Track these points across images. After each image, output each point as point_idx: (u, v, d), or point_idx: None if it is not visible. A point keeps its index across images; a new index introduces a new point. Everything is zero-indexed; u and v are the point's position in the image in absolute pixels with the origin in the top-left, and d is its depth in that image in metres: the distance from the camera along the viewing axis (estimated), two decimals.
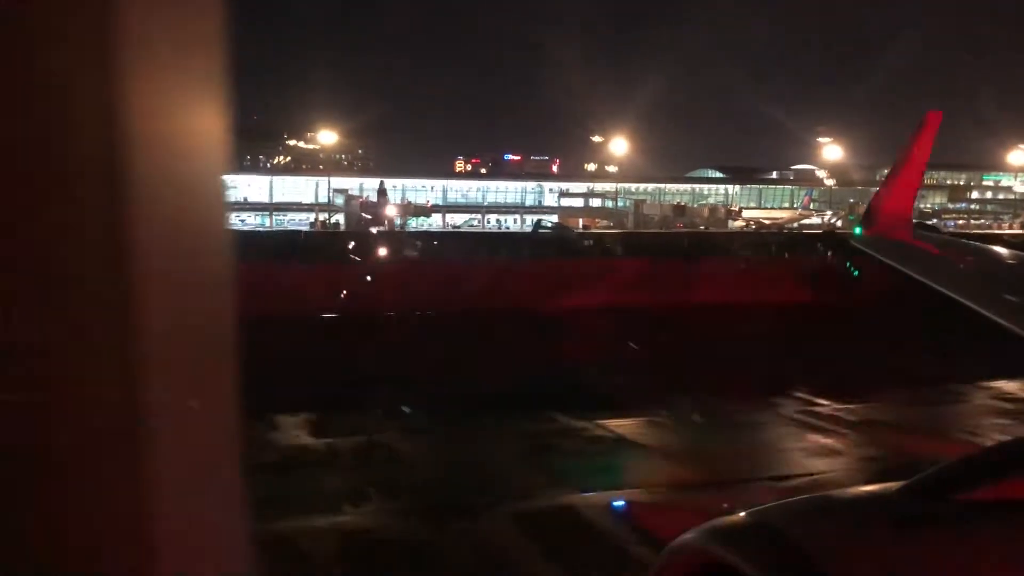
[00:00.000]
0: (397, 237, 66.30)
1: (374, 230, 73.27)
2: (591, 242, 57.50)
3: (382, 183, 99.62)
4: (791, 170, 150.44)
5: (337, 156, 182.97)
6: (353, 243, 51.82)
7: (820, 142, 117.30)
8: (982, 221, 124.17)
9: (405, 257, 47.95)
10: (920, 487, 1.99)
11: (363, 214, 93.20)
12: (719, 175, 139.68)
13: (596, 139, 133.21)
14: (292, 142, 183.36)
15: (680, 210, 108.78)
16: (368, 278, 37.78)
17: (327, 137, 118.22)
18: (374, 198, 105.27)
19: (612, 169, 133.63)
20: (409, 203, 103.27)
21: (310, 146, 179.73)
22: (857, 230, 10.94)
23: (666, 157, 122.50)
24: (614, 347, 24.19)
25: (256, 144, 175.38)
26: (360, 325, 27.68)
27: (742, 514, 1.97)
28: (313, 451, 15.84)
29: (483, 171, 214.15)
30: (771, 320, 26.51)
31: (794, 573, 1.68)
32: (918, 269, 7.68)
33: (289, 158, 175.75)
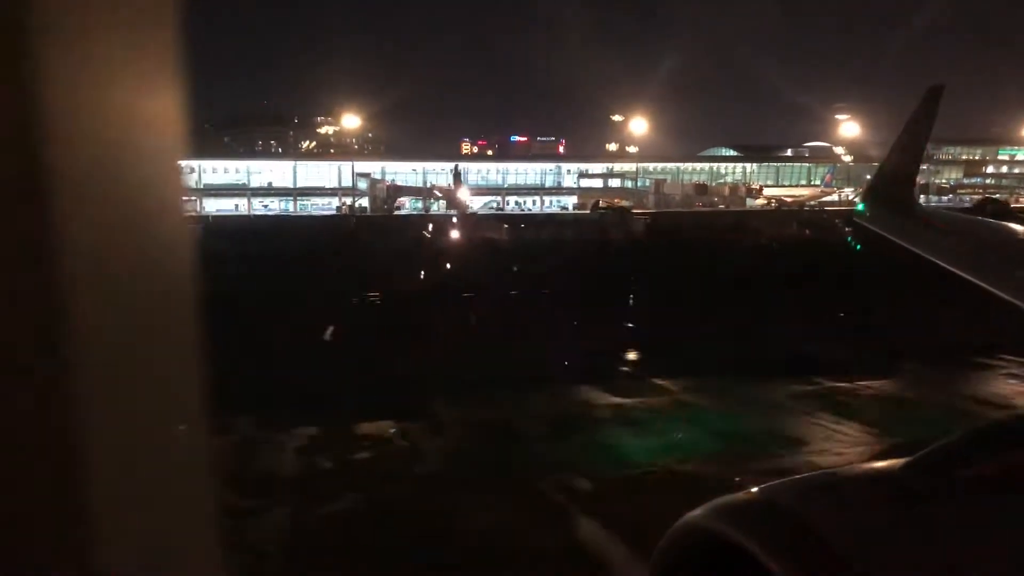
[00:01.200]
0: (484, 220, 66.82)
1: (453, 213, 73.52)
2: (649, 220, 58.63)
3: (456, 167, 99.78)
4: (805, 147, 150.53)
5: (347, 140, 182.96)
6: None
7: (838, 119, 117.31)
8: (997, 196, 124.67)
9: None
10: (925, 463, 2.00)
11: (439, 198, 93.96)
12: (734, 153, 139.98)
13: (616, 118, 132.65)
14: (304, 127, 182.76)
15: (702, 189, 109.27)
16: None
17: (349, 121, 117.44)
18: (401, 181, 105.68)
19: (632, 149, 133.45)
20: (433, 186, 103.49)
21: (322, 130, 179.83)
22: (860, 206, 10.97)
23: (680, 136, 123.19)
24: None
25: (266, 129, 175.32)
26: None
27: (747, 492, 1.98)
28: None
29: (490, 152, 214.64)
30: None
31: (802, 552, 1.69)
32: (921, 245, 7.67)
33: (313, 143, 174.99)
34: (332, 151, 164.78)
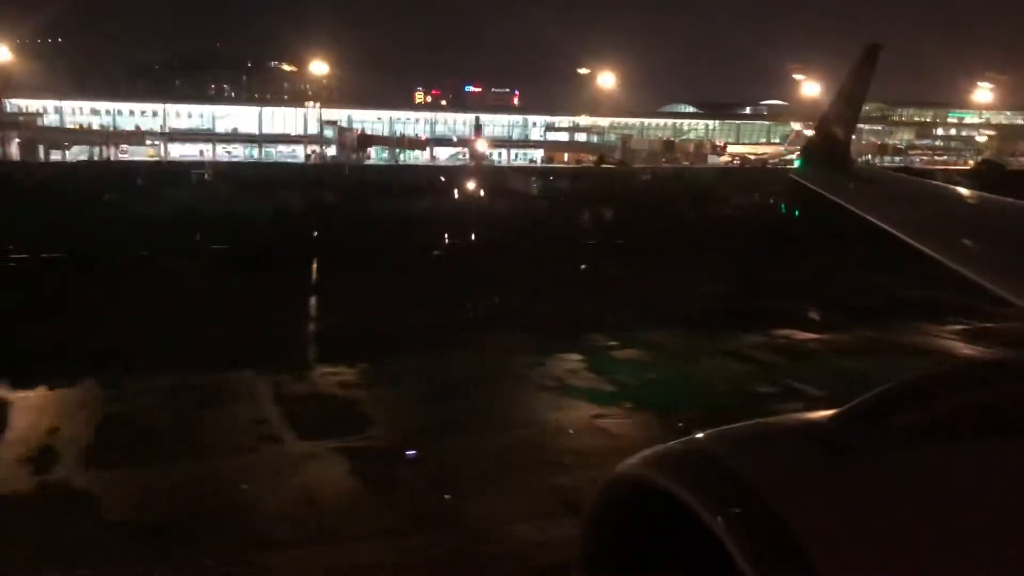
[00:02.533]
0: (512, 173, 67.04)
1: (472, 164, 73.37)
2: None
3: (478, 118, 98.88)
4: (762, 105, 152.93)
5: (301, 87, 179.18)
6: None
7: (796, 79, 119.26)
8: (945, 157, 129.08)
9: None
10: (855, 414, 2.03)
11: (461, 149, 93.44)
12: (693, 110, 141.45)
13: (582, 71, 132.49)
14: (257, 72, 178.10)
15: (669, 145, 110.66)
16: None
17: (317, 67, 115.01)
18: (369, 130, 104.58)
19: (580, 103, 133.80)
20: (403, 136, 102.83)
21: (276, 76, 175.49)
22: (798, 163, 11.19)
23: (637, 91, 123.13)
24: None
25: (219, 72, 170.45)
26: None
27: (680, 441, 2.01)
28: None
29: (443, 103, 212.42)
30: None
31: (733, 501, 1.71)
32: (856, 202, 7.69)
33: (268, 95, 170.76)
34: (286, 97, 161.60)
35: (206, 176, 58.12)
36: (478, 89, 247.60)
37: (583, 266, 28.45)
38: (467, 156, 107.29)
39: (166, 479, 10.93)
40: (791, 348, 18.14)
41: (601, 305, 21.94)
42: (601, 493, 1.99)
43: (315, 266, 27.93)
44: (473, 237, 34.30)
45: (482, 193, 49.19)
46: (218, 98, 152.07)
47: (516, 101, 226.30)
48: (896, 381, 2.15)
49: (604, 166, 72.37)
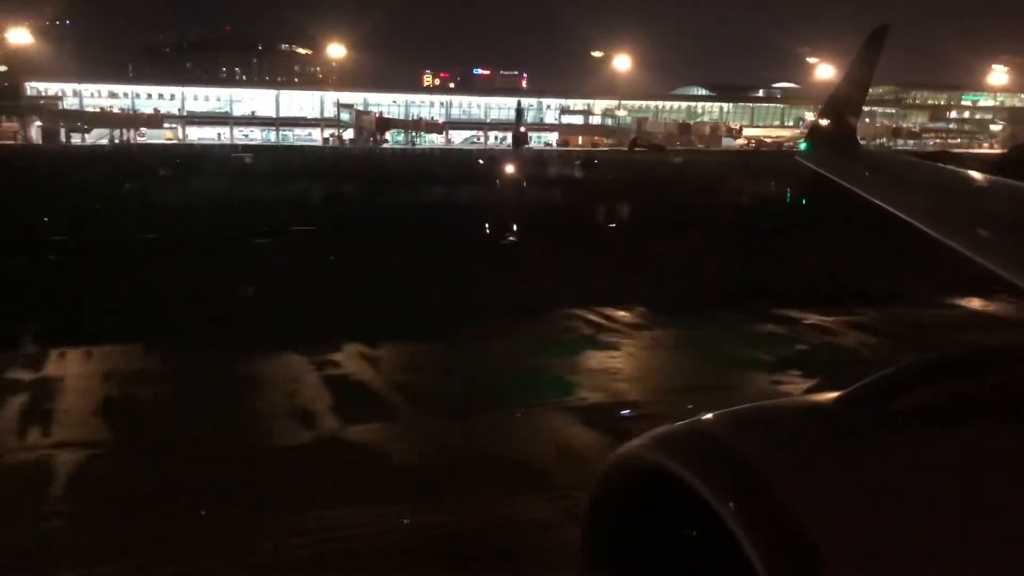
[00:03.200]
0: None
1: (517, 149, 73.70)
2: None
3: (519, 103, 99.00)
4: (775, 88, 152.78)
5: (311, 68, 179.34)
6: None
7: (809, 62, 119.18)
8: (959, 140, 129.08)
9: None
10: (860, 396, 2.03)
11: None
12: (705, 92, 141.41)
13: (596, 54, 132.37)
14: (268, 54, 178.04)
15: (685, 128, 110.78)
16: None
17: (334, 51, 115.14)
18: (388, 114, 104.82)
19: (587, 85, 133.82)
20: (421, 120, 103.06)
21: (288, 58, 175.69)
22: (803, 145, 10.97)
23: (649, 74, 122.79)
24: None
25: (230, 55, 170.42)
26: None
27: (685, 423, 1.99)
28: None
29: (451, 85, 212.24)
30: None
31: (736, 483, 1.72)
32: (861, 184, 7.58)
33: (281, 78, 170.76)
34: (296, 80, 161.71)
35: (247, 160, 58.57)
36: (487, 72, 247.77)
37: (677, 244, 28.74)
38: (485, 139, 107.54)
39: None
40: None
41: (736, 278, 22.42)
42: (602, 475, 1.98)
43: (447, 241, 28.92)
44: (565, 218, 35.00)
45: (532, 176, 49.52)
46: (229, 81, 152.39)
47: (524, 84, 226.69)
48: (901, 363, 2.16)
49: (637, 149, 72.65)
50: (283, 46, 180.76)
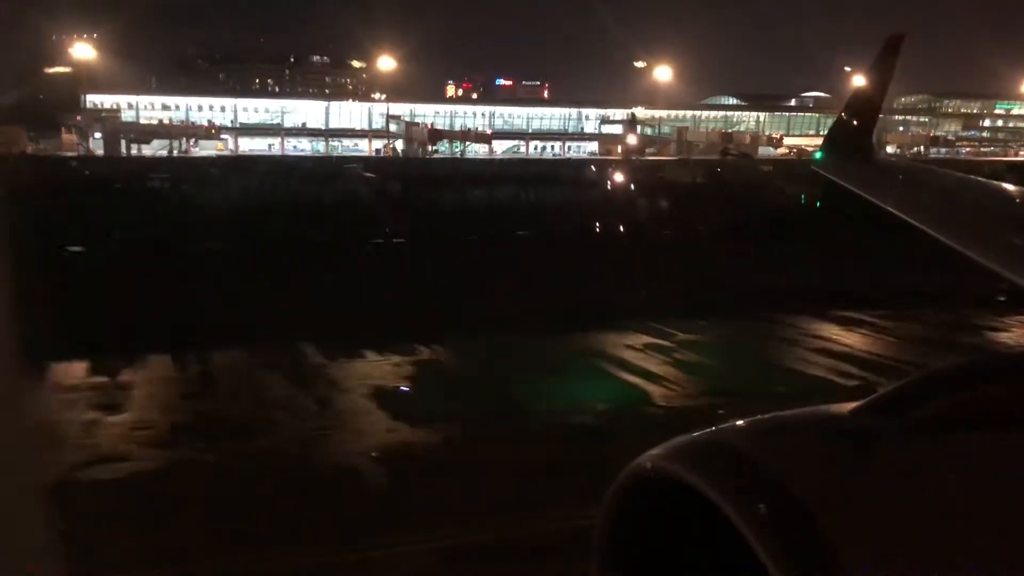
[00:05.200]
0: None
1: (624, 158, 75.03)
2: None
3: (632, 113, 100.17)
4: (806, 97, 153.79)
5: (341, 80, 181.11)
6: None
7: (845, 70, 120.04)
8: (992, 148, 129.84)
9: None
10: (878, 406, 2.03)
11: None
12: (736, 102, 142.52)
13: (639, 64, 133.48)
14: (300, 66, 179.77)
15: (728, 137, 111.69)
16: None
17: (384, 63, 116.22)
18: (440, 124, 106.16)
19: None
20: (470, 130, 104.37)
21: (318, 70, 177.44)
22: (818, 154, 10.99)
23: (677, 84, 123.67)
24: None
25: (263, 67, 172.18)
26: None
27: (702, 433, 1.99)
28: None
29: (474, 96, 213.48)
30: None
31: (756, 495, 1.70)
32: (876, 193, 7.55)
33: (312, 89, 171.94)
34: (328, 92, 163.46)
35: (358, 170, 59.87)
36: (509, 82, 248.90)
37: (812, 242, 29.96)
38: (527, 149, 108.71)
39: None
40: None
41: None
42: (619, 486, 1.97)
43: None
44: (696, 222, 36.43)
45: (639, 185, 50.79)
46: (262, 92, 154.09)
47: (546, 94, 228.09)
48: (919, 372, 2.16)
49: (728, 157, 73.77)
50: (315, 58, 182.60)
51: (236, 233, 31.80)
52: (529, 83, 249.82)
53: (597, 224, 34.84)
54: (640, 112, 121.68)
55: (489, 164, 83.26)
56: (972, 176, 8.62)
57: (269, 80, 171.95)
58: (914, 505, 1.71)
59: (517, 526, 10.59)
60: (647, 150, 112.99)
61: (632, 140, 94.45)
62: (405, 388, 16.85)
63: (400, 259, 28.97)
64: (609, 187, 51.09)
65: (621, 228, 33.60)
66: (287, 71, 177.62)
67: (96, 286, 22.92)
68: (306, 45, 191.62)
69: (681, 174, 60.55)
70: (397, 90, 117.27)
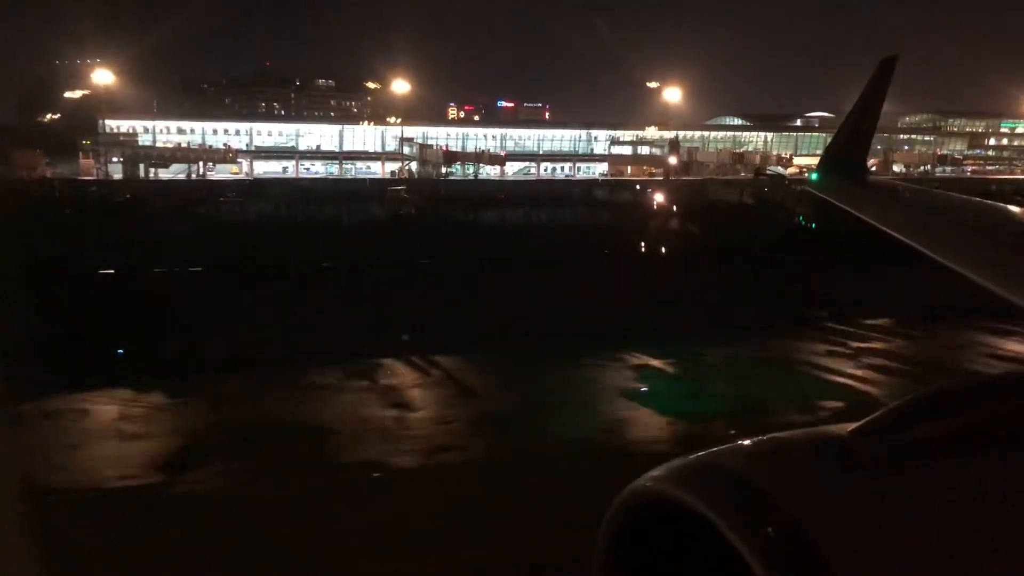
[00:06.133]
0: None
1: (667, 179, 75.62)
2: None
3: (676, 136, 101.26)
4: (810, 117, 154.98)
5: (346, 103, 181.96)
6: None
7: (849, 91, 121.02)
8: (997, 167, 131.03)
9: None
10: (876, 426, 2.03)
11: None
12: (740, 122, 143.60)
13: (652, 85, 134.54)
14: (304, 90, 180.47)
15: (739, 158, 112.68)
16: None
17: (399, 86, 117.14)
18: (455, 147, 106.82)
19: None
20: (484, 152, 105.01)
21: (322, 93, 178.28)
22: (813, 176, 11.01)
23: (683, 104, 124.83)
24: None
25: (268, 91, 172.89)
26: None
27: (699, 455, 1.98)
28: None
29: (476, 118, 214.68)
30: None
31: (755, 516, 1.70)
32: (870, 213, 7.60)
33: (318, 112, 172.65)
34: (333, 115, 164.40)
35: (404, 194, 60.25)
36: (510, 104, 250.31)
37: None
38: (538, 170, 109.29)
39: None
40: None
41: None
42: (617, 508, 1.98)
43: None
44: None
45: (696, 205, 51.45)
46: (268, 116, 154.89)
47: (548, 115, 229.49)
48: (914, 394, 2.17)
49: (761, 177, 74.50)
50: (320, 81, 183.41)
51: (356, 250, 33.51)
52: (531, 105, 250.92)
53: (699, 238, 36.12)
54: (649, 133, 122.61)
55: (535, 184, 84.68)
56: (964, 196, 8.66)
57: (275, 103, 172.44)
58: (911, 528, 1.71)
59: None
60: (654, 170, 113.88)
61: (673, 161, 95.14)
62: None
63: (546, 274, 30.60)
64: (670, 207, 51.69)
65: (735, 243, 34.58)
66: (292, 95, 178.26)
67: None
68: (311, 69, 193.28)
69: (726, 193, 61.28)
70: (400, 113, 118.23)
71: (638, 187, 61.13)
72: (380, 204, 50.22)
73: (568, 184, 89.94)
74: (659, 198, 55.26)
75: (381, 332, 22.77)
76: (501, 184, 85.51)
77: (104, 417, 16.97)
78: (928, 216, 7.77)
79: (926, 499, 1.80)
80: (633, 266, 33.13)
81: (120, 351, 21.15)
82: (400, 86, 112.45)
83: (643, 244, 37.34)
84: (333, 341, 22.05)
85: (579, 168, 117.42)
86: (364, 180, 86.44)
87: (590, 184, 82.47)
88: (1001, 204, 7.51)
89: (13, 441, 13.27)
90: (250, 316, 24.38)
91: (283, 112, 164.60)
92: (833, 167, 10.14)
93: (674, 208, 50.22)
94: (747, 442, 2.07)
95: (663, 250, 36.63)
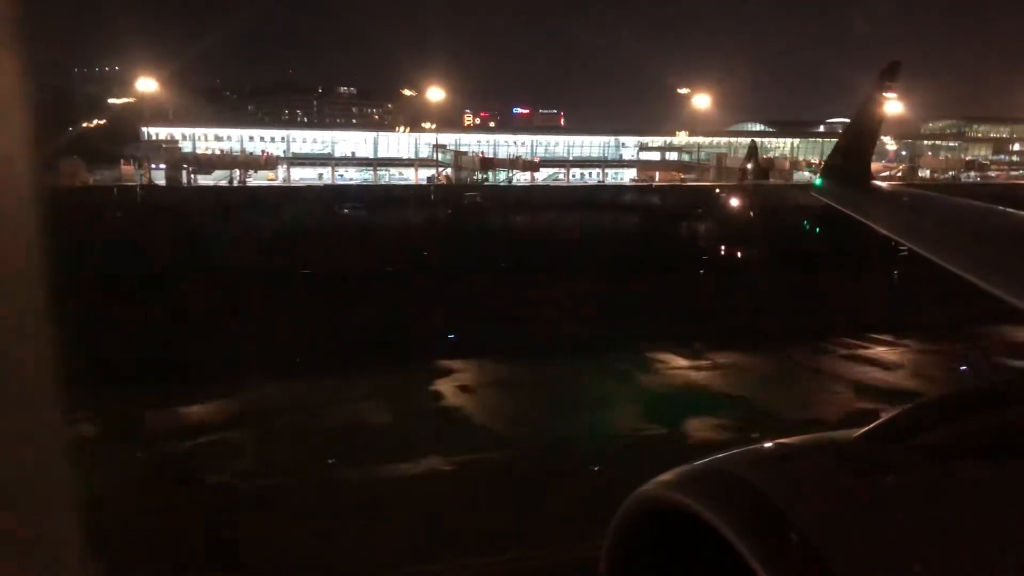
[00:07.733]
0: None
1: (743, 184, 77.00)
2: None
3: (753, 142, 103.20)
4: (832, 123, 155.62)
5: (367, 110, 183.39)
6: None
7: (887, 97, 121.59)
8: (1021, 172, 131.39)
9: None
10: (879, 433, 2.03)
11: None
12: (762, 128, 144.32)
13: (682, 91, 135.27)
14: (327, 96, 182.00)
15: (768, 163, 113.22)
16: None
17: (434, 94, 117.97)
18: (488, 153, 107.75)
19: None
20: (519, 158, 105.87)
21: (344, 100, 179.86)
22: (818, 181, 10.97)
23: (706, 110, 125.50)
24: None
25: (291, 98, 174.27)
26: None
27: (704, 462, 1.99)
28: None
29: (492, 124, 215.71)
30: None
31: (760, 522, 1.70)
32: (873, 217, 7.65)
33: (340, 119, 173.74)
34: (354, 121, 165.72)
35: (478, 199, 61.02)
36: (526, 111, 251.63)
37: None
38: (559, 177, 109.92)
39: None
40: None
41: None
42: (623, 514, 1.98)
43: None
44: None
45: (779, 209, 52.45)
46: (292, 123, 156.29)
47: (562, 122, 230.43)
48: (918, 401, 2.19)
49: None
50: (342, 89, 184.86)
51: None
52: (546, 111, 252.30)
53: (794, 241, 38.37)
54: (678, 139, 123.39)
55: (604, 190, 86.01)
56: (967, 200, 8.82)
57: (298, 111, 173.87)
58: (916, 534, 1.72)
59: None
60: (681, 176, 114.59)
61: (749, 167, 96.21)
62: None
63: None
64: (760, 212, 52.82)
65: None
66: (315, 102, 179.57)
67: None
68: (333, 76, 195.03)
69: (789, 197, 62.40)
70: (420, 119, 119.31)
71: (718, 191, 62.13)
72: (454, 209, 51.05)
73: (620, 189, 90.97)
74: (739, 202, 56.06)
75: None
76: (546, 190, 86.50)
77: None
78: (930, 221, 7.75)
79: (932, 506, 1.81)
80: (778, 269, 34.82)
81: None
82: (435, 94, 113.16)
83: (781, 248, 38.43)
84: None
85: (607, 174, 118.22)
86: (428, 186, 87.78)
87: (645, 190, 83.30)
88: (1000, 207, 7.62)
89: None
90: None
91: (306, 119, 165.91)
92: (837, 173, 10.27)
93: (772, 213, 51.11)
94: (753, 448, 2.09)
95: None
